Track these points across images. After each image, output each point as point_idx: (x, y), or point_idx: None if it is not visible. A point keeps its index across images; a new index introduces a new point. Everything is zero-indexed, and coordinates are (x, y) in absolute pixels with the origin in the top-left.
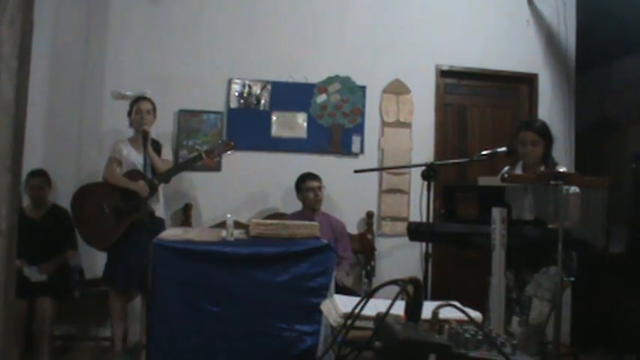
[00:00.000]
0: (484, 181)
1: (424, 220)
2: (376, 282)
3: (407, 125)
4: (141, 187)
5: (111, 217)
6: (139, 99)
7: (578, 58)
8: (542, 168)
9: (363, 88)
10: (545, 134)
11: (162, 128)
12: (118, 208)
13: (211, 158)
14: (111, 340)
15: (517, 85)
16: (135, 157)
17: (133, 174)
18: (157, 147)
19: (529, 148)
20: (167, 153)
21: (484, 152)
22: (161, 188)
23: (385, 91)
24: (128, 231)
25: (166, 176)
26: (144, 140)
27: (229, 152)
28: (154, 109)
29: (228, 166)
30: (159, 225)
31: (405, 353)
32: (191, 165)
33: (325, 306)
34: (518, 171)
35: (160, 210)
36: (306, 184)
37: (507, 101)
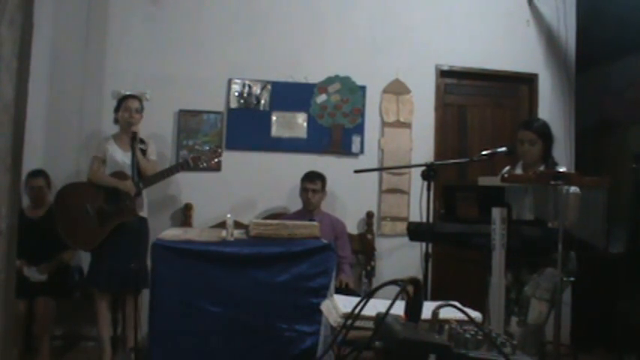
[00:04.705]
0: (484, 181)
1: (424, 220)
2: (376, 282)
3: (407, 125)
4: (128, 185)
5: (95, 219)
6: (127, 97)
7: (578, 58)
8: (542, 167)
9: (363, 88)
10: (543, 134)
11: (163, 128)
12: (103, 210)
13: (198, 165)
14: (98, 341)
15: (517, 85)
16: (120, 157)
17: (119, 175)
18: (143, 146)
19: (527, 147)
20: (152, 152)
21: (484, 152)
22: (145, 189)
23: (385, 91)
24: (112, 231)
25: (152, 181)
26: (132, 141)
27: (216, 160)
28: (142, 108)
29: (228, 166)
30: (143, 225)
31: (405, 353)
32: (177, 171)
33: (325, 306)
34: (519, 171)
35: (142, 210)
36: (303, 184)
37: (507, 101)
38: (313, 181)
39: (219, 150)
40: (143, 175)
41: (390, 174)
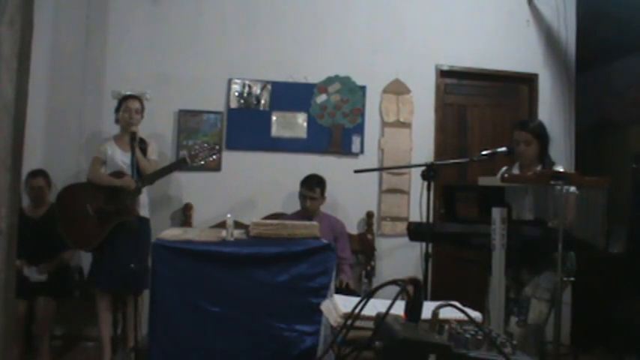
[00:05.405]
0: (484, 181)
1: (424, 220)
2: (376, 282)
3: (407, 125)
4: (127, 181)
5: (95, 219)
6: (128, 97)
7: (578, 58)
8: (539, 167)
9: (363, 88)
10: (539, 134)
11: (163, 128)
12: (102, 210)
13: (196, 162)
14: (98, 341)
15: (517, 85)
16: (120, 157)
17: (118, 175)
18: (143, 146)
19: (522, 147)
20: (153, 152)
21: (484, 152)
22: (147, 189)
23: (385, 91)
24: (113, 231)
25: (151, 179)
26: (132, 141)
27: (214, 156)
28: (143, 108)
29: (228, 166)
30: (144, 225)
31: (405, 353)
32: (175, 169)
33: (325, 306)
34: (516, 171)
35: (144, 210)
36: (302, 190)
37: (507, 101)
38: (312, 189)
39: (217, 147)
40: (143, 175)
41: (390, 174)
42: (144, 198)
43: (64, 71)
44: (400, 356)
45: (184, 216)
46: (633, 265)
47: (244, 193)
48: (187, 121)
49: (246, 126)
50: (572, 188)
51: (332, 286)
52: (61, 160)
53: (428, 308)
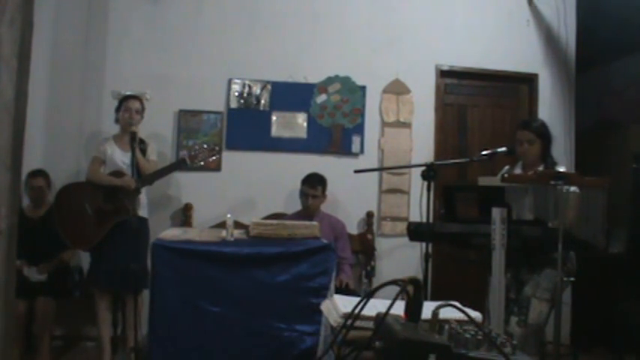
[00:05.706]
0: (484, 181)
1: (424, 220)
2: (376, 282)
3: (407, 125)
4: (127, 180)
5: (94, 218)
6: (128, 97)
7: (578, 58)
8: (542, 167)
9: (363, 88)
10: (541, 133)
11: (163, 128)
12: (101, 210)
13: (195, 163)
14: (98, 341)
15: (517, 85)
16: (119, 157)
17: (117, 174)
18: (143, 146)
19: (525, 147)
20: (152, 152)
21: (484, 152)
22: (146, 189)
23: (385, 91)
24: (111, 231)
25: (150, 179)
26: (132, 141)
27: (213, 157)
28: (143, 109)
29: (228, 166)
30: (143, 225)
31: (405, 353)
32: (174, 170)
33: (325, 306)
34: (518, 170)
35: (143, 210)
36: (303, 188)
37: (507, 101)
38: (314, 186)
39: (217, 148)
40: (142, 175)
41: (390, 174)
42: (143, 198)
43: (64, 71)
44: (400, 356)
45: (184, 216)
46: (633, 265)
47: (244, 193)
48: (187, 121)
49: (246, 126)
50: (573, 188)
51: (332, 286)
52: (61, 160)
53: (428, 308)
